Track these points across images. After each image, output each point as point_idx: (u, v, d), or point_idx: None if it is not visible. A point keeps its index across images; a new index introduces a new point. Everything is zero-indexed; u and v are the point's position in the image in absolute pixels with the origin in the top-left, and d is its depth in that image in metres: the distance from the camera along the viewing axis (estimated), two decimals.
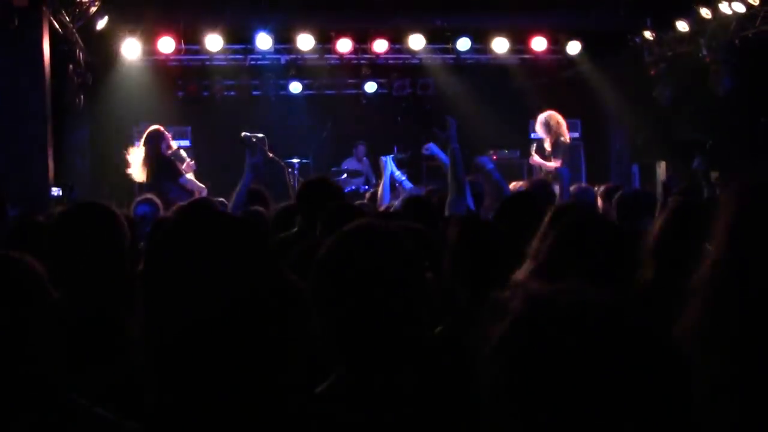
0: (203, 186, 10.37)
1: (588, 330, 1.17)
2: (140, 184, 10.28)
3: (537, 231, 3.11)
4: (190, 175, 10.42)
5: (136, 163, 10.07)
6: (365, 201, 8.43)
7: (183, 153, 10.76)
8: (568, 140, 11.40)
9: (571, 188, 8.35)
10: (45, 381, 2.11)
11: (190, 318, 1.69)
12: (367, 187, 12.82)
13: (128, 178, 10.76)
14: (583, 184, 9.41)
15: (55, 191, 9.12)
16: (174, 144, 10.66)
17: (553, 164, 10.93)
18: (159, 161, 10.01)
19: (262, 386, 1.73)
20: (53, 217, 3.58)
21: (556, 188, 8.94)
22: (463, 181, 6.20)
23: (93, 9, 11.31)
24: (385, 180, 8.42)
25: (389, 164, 8.57)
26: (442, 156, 6.89)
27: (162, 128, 10.38)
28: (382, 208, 7.82)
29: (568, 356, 1.15)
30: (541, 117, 11.28)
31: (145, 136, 10.24)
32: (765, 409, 1.68)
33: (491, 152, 14.41)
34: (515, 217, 4.70)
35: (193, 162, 10.64)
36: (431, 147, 7.64)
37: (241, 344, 1.69)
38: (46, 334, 2.12)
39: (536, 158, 11.22)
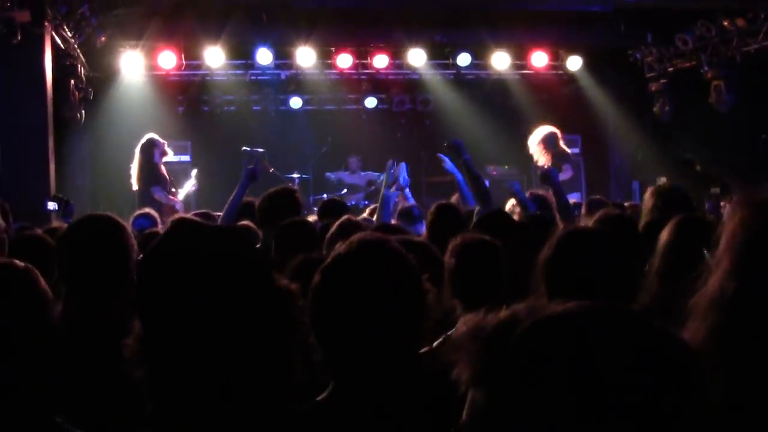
0: (177, 200, 10.44)
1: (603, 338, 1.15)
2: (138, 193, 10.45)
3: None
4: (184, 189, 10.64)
5: (133, 172, 10.38)
6: (366, 216, 8.38)
7: (193, 175, 11.03)
8: (567, 150, 11.37)
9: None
10: (28, 400, 2.09)
11: (186, 332, 1.68)
12: (367, 202, 12.79)
13: (128, 192, 10.85)
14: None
15: (51, 206, 9.10)
16: (170, 152, 10.82)
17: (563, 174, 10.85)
18: (147, 167, 10.23)
19: (259, 398, 1.72)
20: (60, 230, 3.61)
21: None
22: (484, 191, 6.20)
23: (94, 24, 11.33)
24: (399, 181, 8.33)
25: (404, 170, 8.54)
26: (456, 172, 6.92)
27: (156, 136, 10.56)
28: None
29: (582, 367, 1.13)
30: (536, 135, 11.10)
31: (139, 145, 10.48)
32: None
33: (490, 168, 14.42)
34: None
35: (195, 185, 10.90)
36: (446, 160, 7.60)
37: (237, 356, 1.68)
38: (38, 353, 2.11)
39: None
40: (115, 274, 3.13)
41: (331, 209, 6.27)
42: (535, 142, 11.03)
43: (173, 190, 10.84)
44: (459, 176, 6.93)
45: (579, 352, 1.13)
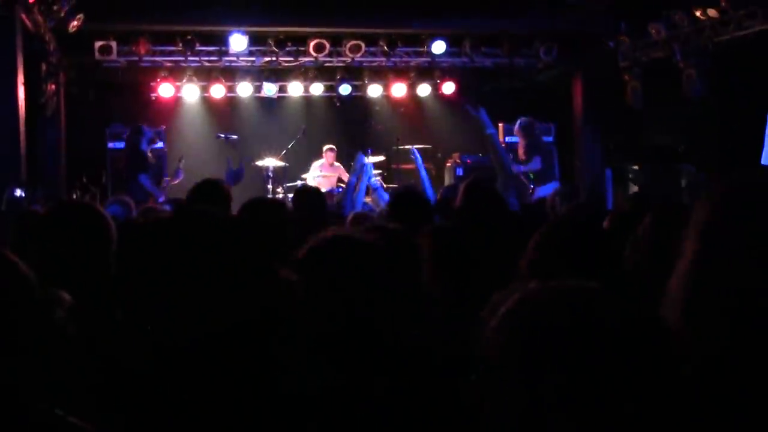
0: (161, 193, 10.40)
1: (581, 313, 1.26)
2: (113, 182, 10.38)
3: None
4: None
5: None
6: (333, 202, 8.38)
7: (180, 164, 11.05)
8: (539, 141, 11.70)
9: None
10: (18, 389, 2.07)
11: (180, 324, 1.68)
12: (339, 189, 12.76)
13: (101, 179, 10.80)
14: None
15: (18, 192, 8.96)
16: (155, 139, 10.84)
17: (531, 165, 11.16)
18: (134, 155, 10.16)
19: (254, 390, 1.73)
20: (38, 216, 3.56)
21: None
22: (505, 165, 6.39)
23: (67, 9, 11.21)
24: (362, 183, 8.38)
25: (369, 168, 8.58)
26: (420, 163, 7.11)
27: (143, 126, 10.61)
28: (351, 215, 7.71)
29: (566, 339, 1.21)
30: (523, 121, 11.52)
31: (127, 132, 10.51)
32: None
33: (464, 155, 14.44)
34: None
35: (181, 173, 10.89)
36: (414, 151, 7.86)
37: (234, 347, 1.69)
38: (27, 338, 2.09)
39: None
40: (91, 263, 3.08)
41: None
42: (515, 129, 11.54)
43: (164, 177, 10.89)
44: (423, 171, 7.22)
45: (570, 332, 1.23)
